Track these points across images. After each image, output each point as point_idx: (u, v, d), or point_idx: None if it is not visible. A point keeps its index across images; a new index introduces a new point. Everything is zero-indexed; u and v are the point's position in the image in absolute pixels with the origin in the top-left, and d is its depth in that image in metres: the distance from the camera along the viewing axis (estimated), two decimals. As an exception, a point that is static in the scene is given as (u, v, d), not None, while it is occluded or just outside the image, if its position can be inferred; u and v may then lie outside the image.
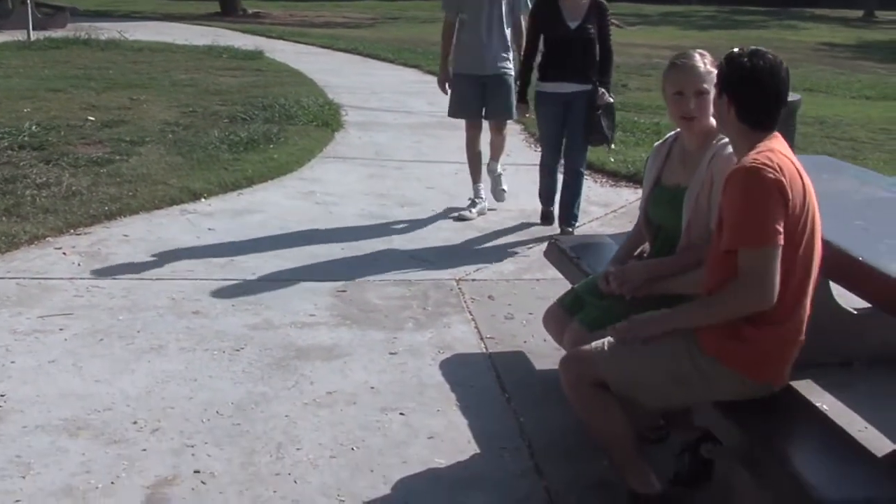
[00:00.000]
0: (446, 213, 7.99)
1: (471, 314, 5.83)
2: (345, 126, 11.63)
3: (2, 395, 4.59)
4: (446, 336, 5.49)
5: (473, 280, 6.45)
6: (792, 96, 7.56)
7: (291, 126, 10.97)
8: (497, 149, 8.10)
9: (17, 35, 18.73)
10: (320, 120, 11.46)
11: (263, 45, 19.55)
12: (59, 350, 5.13)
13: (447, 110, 8.02)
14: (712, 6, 39.49)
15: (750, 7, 39.21)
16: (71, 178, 8.35)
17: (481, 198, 8.05)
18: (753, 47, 3.44)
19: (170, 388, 4.72)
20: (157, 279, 6.23)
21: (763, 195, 3.23)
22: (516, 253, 7.09)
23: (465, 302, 6.04)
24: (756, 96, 3.39)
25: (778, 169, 3.25)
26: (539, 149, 8.05)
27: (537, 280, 6.41)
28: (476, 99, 7.82)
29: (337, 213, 7.91)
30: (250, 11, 29.21)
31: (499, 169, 8.15)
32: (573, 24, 7.08)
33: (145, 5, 31.25)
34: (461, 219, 7.84)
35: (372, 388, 4.80)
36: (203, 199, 8.06)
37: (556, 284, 5.58)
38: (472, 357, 5.25)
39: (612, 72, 7.32)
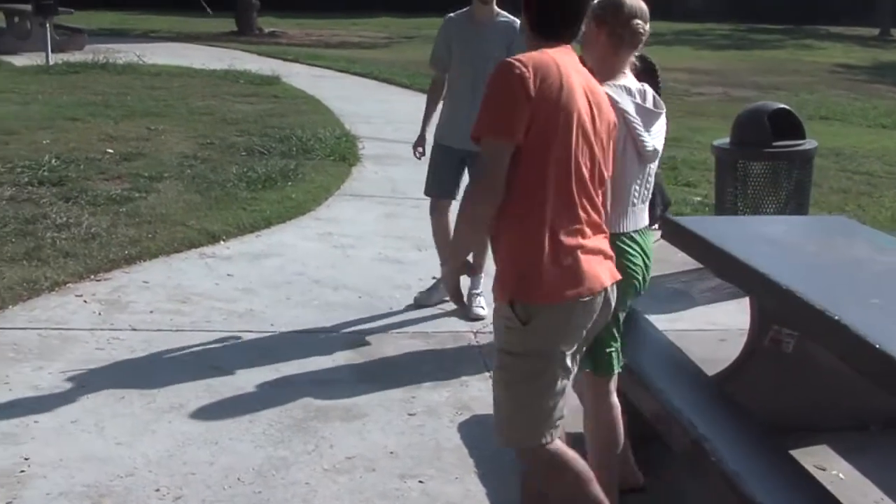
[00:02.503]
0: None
1: (487, 369, 5.85)
2: (361, 160, 11.67)
3: (25, 459, 4.64)
4: (463, 395, 5.53)
5: (490, 331, 6.48)
6: (809, 143, 7.61)
7: (308, 161, 11.03)
8: (476, 253, 6.61)
9: (36, 58, 18.85)
10: (337, 154, 11.52)
11: (279, 68, 19.62)
12: (80, 408, 5.18)
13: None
14: (727, 24, 39.44)
15: (765, 25, 39.17)
16: (90, 217, 8.42)
17: None
18: None
19: (191, 452, 4.76)
20: (176, 330, 6.27)
21: (505, 89, 3.36)
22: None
23: (482, 355, 6.07)
24: (544, 8, 3.56)
25: (526, 64, 3.37)
26: None
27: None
28: (451, 176, 6.80)
29: (354, 256, 7.95)
30: (266, 31, 29.25)
31: (480, 286, 6.84)
32: None
33: (161, 24, 31.30)
34: (417, 304, 6.91)
35: (391, 452, 4.84)
36: (222, 242, 8.11)
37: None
38: (489, 419, 5.22)
39: None
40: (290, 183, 9.95)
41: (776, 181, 7.48)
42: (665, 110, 4.19)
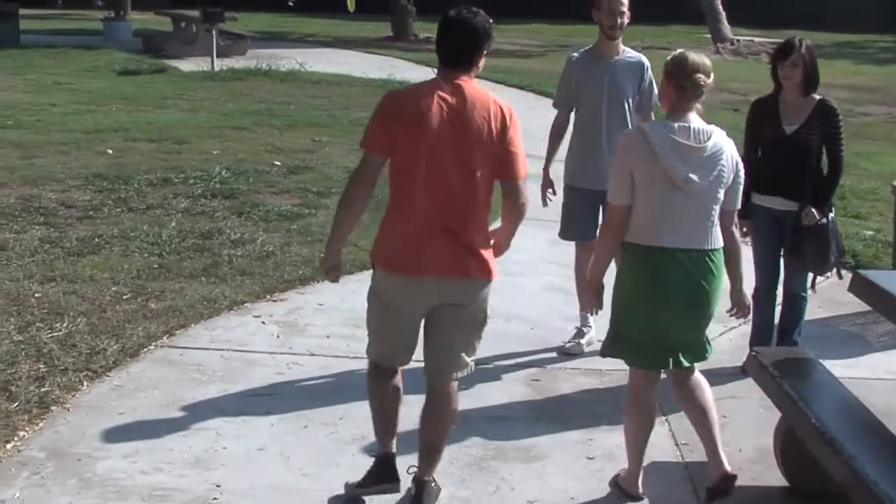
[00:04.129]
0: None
1: (663, 414, 5.79)
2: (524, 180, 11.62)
3: (217, 486, 4.81)
4: (641, 440, 5.50)
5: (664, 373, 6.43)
6: None
7: (473, 180, 11.06)
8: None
9: (202, 64, 19.38)
10: (499, 173, 11.52)
11: (437, 78, 19.76)
12: (265, 435, 5.33)
13: (558, 230, 7.01)
14: (889, 35, 38.28)
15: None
16: (264, 233, 8.66)
17: (590, 326, 6.75)
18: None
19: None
20: (353, 357, 6.37)
21: (377, 110, 4.47)
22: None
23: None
24: (439, 38, 4.45)
25: (396, 93, 4.64)
26: None
27: (730, 377, 6.33)
28: (591, 218, 6.60)
29: (524, 285, 7.94)
30: (421, 37, 29.42)
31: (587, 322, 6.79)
32: (789, 129, 6.15)
33: (316, 27, 31.78)
34: (565, 353, 6.66)
35: (571, 498, 4.86)
36: (392, 265, 8.20)
37: (751, 384, 5.55)
38: (667, 466, 5.26)
39: (835, 188, 6.30)
40: (455, 203, 10.00)
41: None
42: (711, 145, 4.63)
